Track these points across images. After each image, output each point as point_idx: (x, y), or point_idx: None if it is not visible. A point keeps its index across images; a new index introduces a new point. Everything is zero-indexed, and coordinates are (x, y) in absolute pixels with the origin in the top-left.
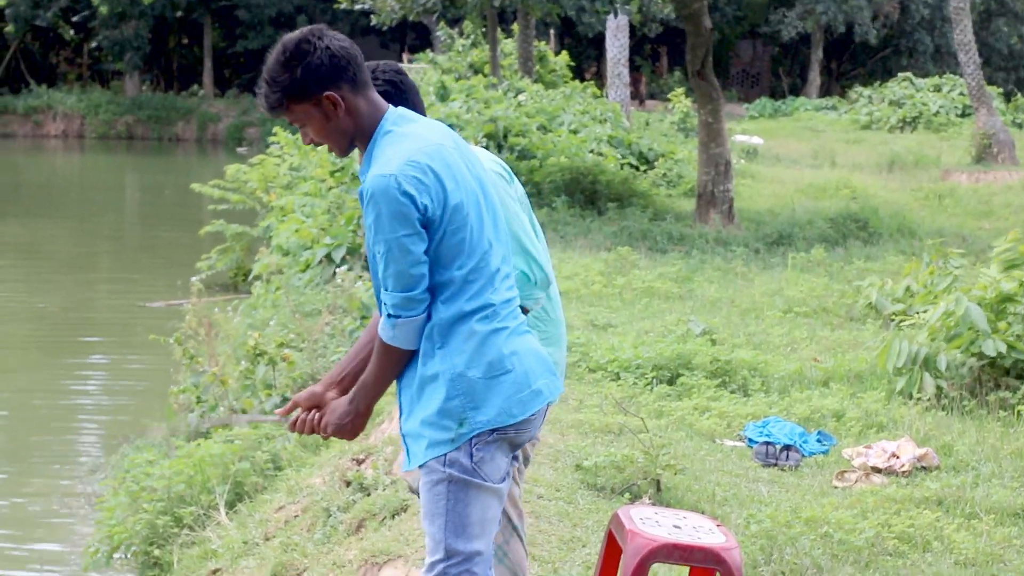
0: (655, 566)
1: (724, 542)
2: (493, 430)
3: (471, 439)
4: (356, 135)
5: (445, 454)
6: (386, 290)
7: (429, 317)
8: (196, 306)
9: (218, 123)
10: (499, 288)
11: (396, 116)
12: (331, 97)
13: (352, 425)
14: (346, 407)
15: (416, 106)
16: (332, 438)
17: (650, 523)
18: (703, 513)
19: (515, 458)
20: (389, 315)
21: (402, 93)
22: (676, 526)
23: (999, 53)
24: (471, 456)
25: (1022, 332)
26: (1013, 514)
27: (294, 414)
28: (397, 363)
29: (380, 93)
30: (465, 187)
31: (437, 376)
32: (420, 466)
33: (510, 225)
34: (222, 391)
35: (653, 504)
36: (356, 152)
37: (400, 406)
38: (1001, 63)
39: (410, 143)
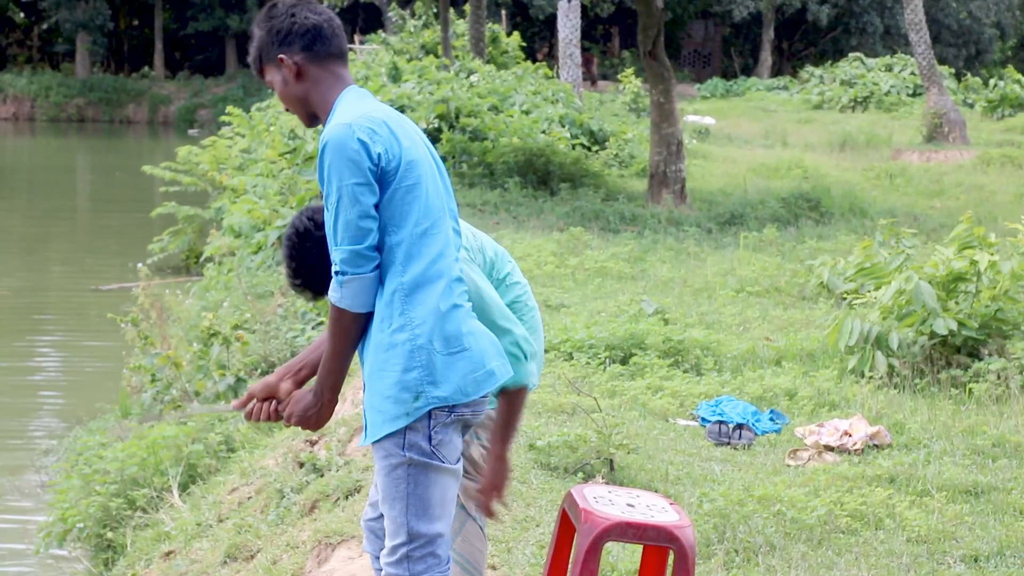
0: (609, 545)
1: (677, 520)
2: (451, 410)
3: (430, 421)
4: (314, 105)
5: (404, 435)
6: (335, 246)
7: (389, 279)
8: (147, 289)
9: (169, 105)
10: (453, 263)
11: (357, 91)
12: (284, 60)
13: (317, 416)
14: (311, 398)
15: None
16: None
17: (604, 502)
18: (656, 492)
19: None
20: (338, 272)
21: None
22: (630, 504)
23: (949, 29)
24: (430, 439)
25: (972, 311)
26: (964, 491)
27: (250, 405)
28: (348, 330)
29: None
30: (419, 149)
31: (397, 344)
32: (375, 442)
33: (487, 302)
34: (175, 373)
35: (607, 483)
36: (311, 134)
37: (364, 380)
38: (951, 39)
39: (367, 104)
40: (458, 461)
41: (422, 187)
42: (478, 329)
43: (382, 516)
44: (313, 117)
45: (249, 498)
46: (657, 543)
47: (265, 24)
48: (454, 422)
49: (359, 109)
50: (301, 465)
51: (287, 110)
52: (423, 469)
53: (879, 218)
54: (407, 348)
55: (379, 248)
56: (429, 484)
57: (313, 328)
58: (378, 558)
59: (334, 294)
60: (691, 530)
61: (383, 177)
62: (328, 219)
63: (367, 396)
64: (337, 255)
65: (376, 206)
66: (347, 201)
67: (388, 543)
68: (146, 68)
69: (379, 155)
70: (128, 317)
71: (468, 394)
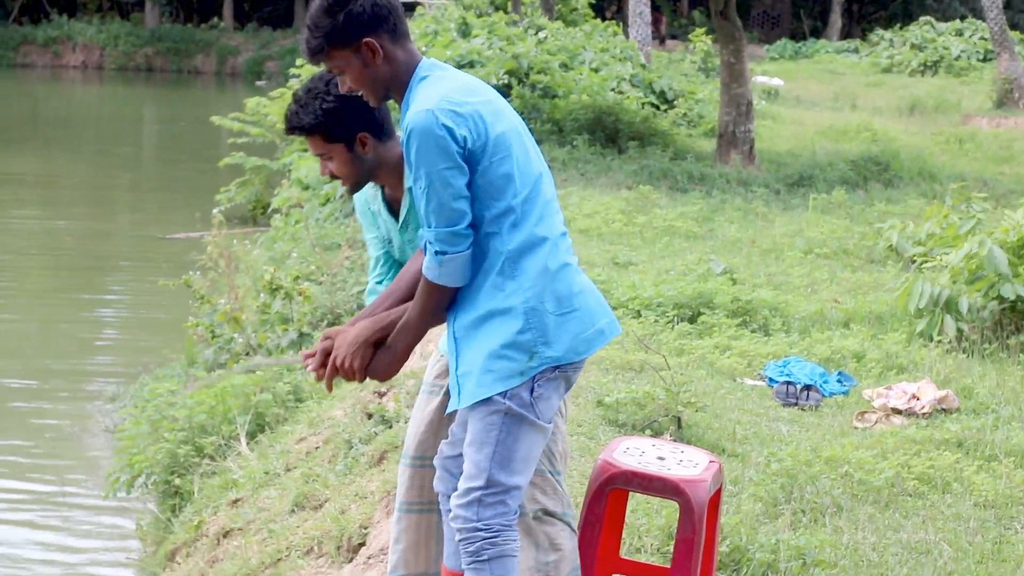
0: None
1: (693, 475)
2: (556, 367)
3: (535, 375)
4: (391, 84)
5: (508, 388)
6: (429, 227)
7: (495, 249)
8: (216, 238)
9: (237, 56)
10: (556, 220)
11: (431, 64)
12: (370, 44)
13: (387, 367)
14: (387, 352)
15: (376, 118)
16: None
17: (633, 453)
18: (724, 451)
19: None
20: (436, 252)
21: (359, 106)
22: (660, 458)
23: None
24: (531, 391)
25: None
26: None
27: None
28: (441, 302)
29: (330, 111)
30: (505, 120)
31: (509, 309)
32: (480, 401)
33: None
34: (237, 330)
35: (674, 440)
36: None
37: (454, 347)
38: (1023, 6)
39: (447, 83)
40: (551, 421)
41: (512, 158)
42: (587, 287)
43: (460, 456)
44: (385, 95)
45: (317, 448)
46: (662, 495)
47: (340, 9)
48: (558, 378)
49: (442, 89)
50: (369, 416)
51: (349, 91)
52: (518, 421)
53: (948, 183)
54: (521, 311)
55: (477, 222)
56: (520, 437)
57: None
58: (449, 497)
59: (431, 271)
60: (704, 486)
61: (471, 157)
62: (420, 202)
63: (467, 359)
64: (434, 236)
65: (469, 184)
66: (439, 185)
67: (464, 484)
68: (215, 19)
69: (464, 137)
70: (183, 279)
71: (580, 353)
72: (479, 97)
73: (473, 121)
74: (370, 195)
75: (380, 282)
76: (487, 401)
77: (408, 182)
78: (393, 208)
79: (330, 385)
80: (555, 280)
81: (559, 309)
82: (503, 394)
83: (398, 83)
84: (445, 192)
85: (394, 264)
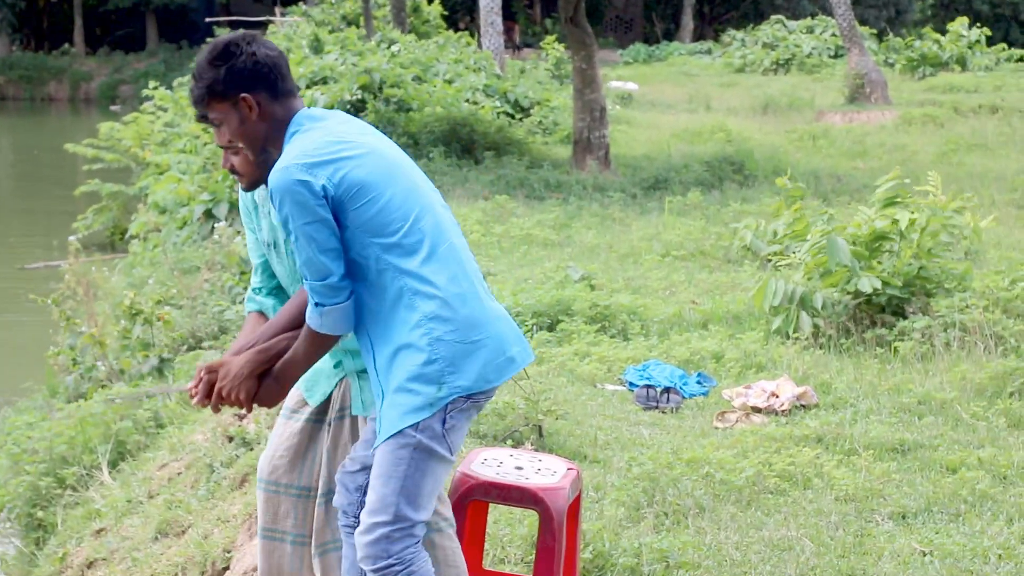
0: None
1: (551, 484)
2: (468, 396)
3: (446, 406)
4: (267, 140)
5: (419, 420)
6: (305, 280)
7: (394, 283)
8: (74, 266)
9: (91, 82)
10: (455, 249)
11: (305, 116)
12: (247, 99)
13: (274, 398)
14: (271, 383)
15: None
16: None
17: (491, 464)
18: (586, 458)
19: None
20: (316, 304)
21: None
22: (518, 468)
23: None
24: (443, 422)
25: (896, 269)
26: (891, 449)
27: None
28: (326, 347)
29: None
30: (372, 163)
31: (414, 342)
32: (391, 436)
33: None
34: (100, 352)
35: (535, 449)
36: None
37: (377, 383)
38: (871, 1)
39: (311, 136)
40: (457, 452)
41: (384, 197)
42: (497, 314)
43: (362, 470)
44: (263, 150)
45: (179, 473)
46: (522, 505)
47: (222, 63)
48: (470, 408)
49: (302, 145)
50: (230, 439)
51: (228, 145)
52: (427, 455)
53: (802, 180)
54: (425, 342)
55: (371, 261)
56: (427, 471)
57: (239, 303)
58: (347, 513)
59: (314, 321)
60: (562, 494)
61: (337, 205)
62: (298, 257)
63: (389, 396)
64: (311, 289)
65: (344, 229)
66: (303, 241)
67: (368, 518)
68: (66, 45)
69: (323, 187)
70: (51, 297)
71: (490, 381)
72: (342, 145)
73: (333, 170)
74: (260, 196)
75: (258, 290)
76: (397, 434)
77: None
78: None
79: (217, 408)
80: (459, 307)
81: (466, 338)
82: (415, 426)
83: (275, 140)
84: (310, 246)
85: (272, 273)
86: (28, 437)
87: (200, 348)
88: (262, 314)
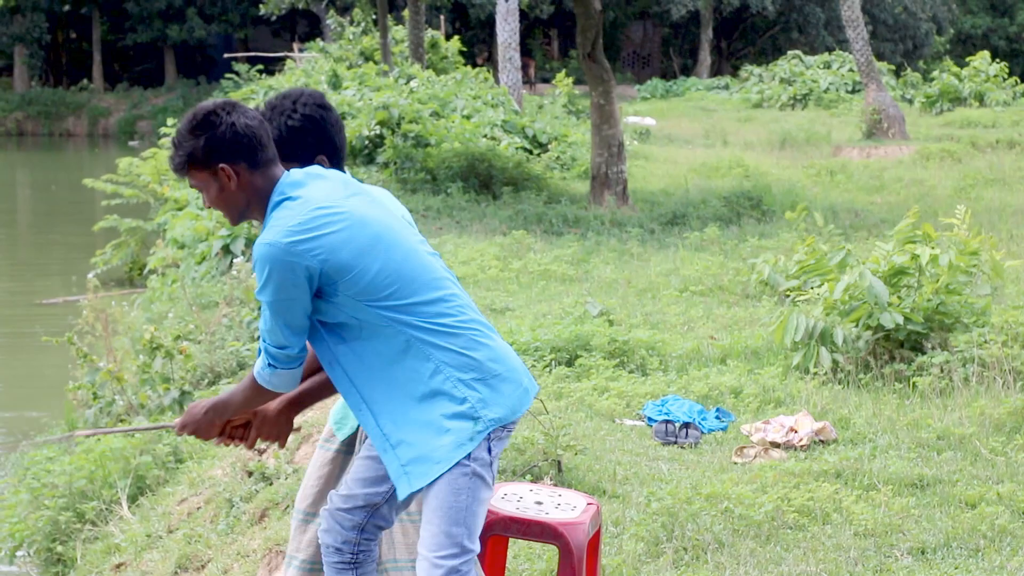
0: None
1: (571, 519)
2: (503, 427)
3: (489, 437)
4: (247, 209)
5: (469, 453)
6: (265, 341)
7: (397, 341)
8: (92, 301)
9: (109, 117)
10: (454, 299)
11: (288, 183)
12: (225, 170)
13: (206, 431)
14: (203, 413)
15: (335, 142)
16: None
17: (511, 498)
18: (604, 493)
19: None
20: (269, 364)
21: (320, 129)
22: (538, 503)
23: (885, 24)
24: (490, 451)
25: (915, 305)
26: (910, 484)
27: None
28: (265, 400)
29: (295, 128)
30: (361, 234)
31: (437, 391)
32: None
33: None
34: (118, 387)
35: (554, 484)
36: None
37: (387, 446)
38: (888, 35)
39: (298, 208)
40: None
41: (379, 261)
42: (504, 349)
43: (361, 509)
44: (240, 217)
45: (198, 508)
46: (542, 540)
47: (202, 132)
48: (504, 438)
49: (290, 216)
50: (250, 474)
51: (209, 206)
52: (480, 483)
53: (820, 215)
54: (450, 386)
55: (356, 323)
56: (481, 501)
57: (256, 339)
58: (340, 551)
59: (262, 377)
60: (582, 529)
61: (327, 279)
62: (264, 316)
63: (409, 447)
64: (269, 351)
65: (334, 295)
66: (272, 313)
67: (433, 555)
68: (85, 81)
69: (307, 267)
70: (66, 336)
71: (515, 411)
72: (327, 217)
73: (318, 248)
74: None
75: None
76: (455, 467)
77: None
78: None
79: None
80: (475, 350)
81: (486, 375)
82: (468, 457)
83: (255, 209)
84: (276, 320)
85: None
86: (48, 471)
87: (219, 383)
88: None
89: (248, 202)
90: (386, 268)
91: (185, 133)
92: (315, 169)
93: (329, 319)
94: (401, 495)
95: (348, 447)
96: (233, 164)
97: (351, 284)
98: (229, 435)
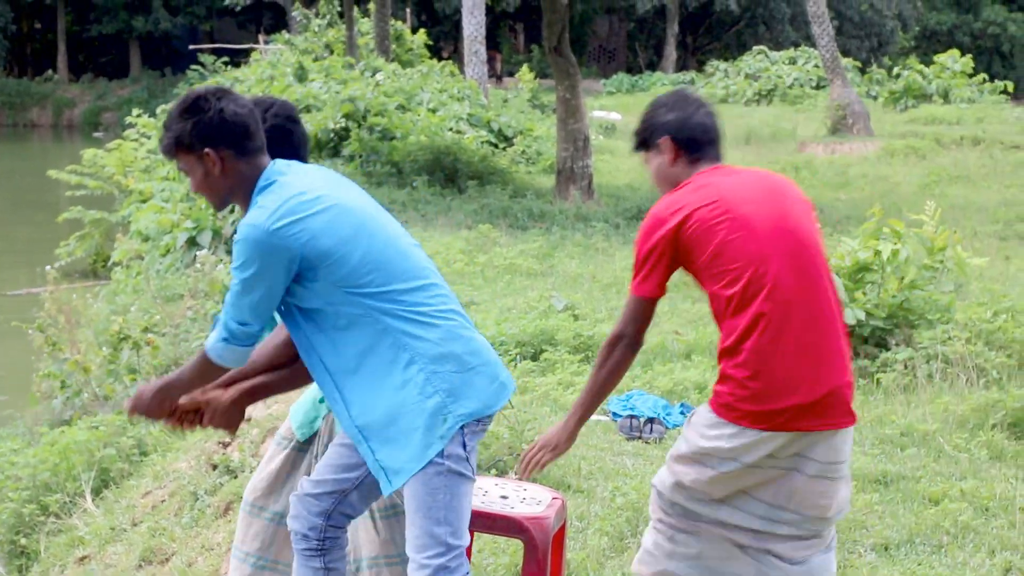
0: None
1: (536, 513)
2: (478, 420)
3: (463, 432)
4: (231, 195)
5: (442, 451)
6: (227, 314)
7: (376, 328)
8: (54, 293)
9: (74, 108)
10: (432, 285)
11: (272, 171)
12: (211, 155)
13: (156, 411)
14: (152, 394)
15: (300, 155)
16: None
17: (477, 493)
18: (569, 487)
19: None
20: (225, 338)
21: (288, 140)
22: (504, 496)
23: (851, 21)
24: (464, 446)
25: (879, 301)
26: (874, 480)
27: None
28: (214, 377)
29: (265, 131)
30: (340, 219)
31: (410, 380)
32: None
33: None
34: (85, 378)
35: (518, 478)
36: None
37: (359, 436)
38: (853, 31)
39: (282, 192)
40: (475, 475)
41: (361, 248)
42: (482, 343)
43: (328, 495)
44: (223, 203)
45: (163, 501)
46: (508, 534)
47: (191, 116)
48: (480, 431)
49: (274, 200)
50: (214, 467)
51: (196, 193)
52: (457, 479)
53: None
54: (422, 378)
55: (333, 309)
56: (462, 496)
57: None
58: (307, 537)
59: (215, 351)
60: (547, 523)
61: (308, 264)
62: (233, 290)
63: (383, 439)
64: (229, 325)
65: (313, 280)
66: (243, 289)
67: (418, 555)
68: (49, 71)
69: (289, 248)
70: (35, 324)
71: (490, 406)
72: (309, 202)
73: (301, 231)
74: None
75: None
76: (428, 466)
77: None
78: None
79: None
80: (449, 341)
81: (463, 367)
82: (440, 454)
83: (239, 195)
84: (244, 297)
85: None
86: (11, 464)
87: None
88: None
89: (232, 189)
90: (368, 255)
91: (175, 116)
92: (300, 164)
93: (306, 304)
94: (385, 493)
95: (303, 445)
96: (219, 150)
97: (332, 270)
98: (179, 419)
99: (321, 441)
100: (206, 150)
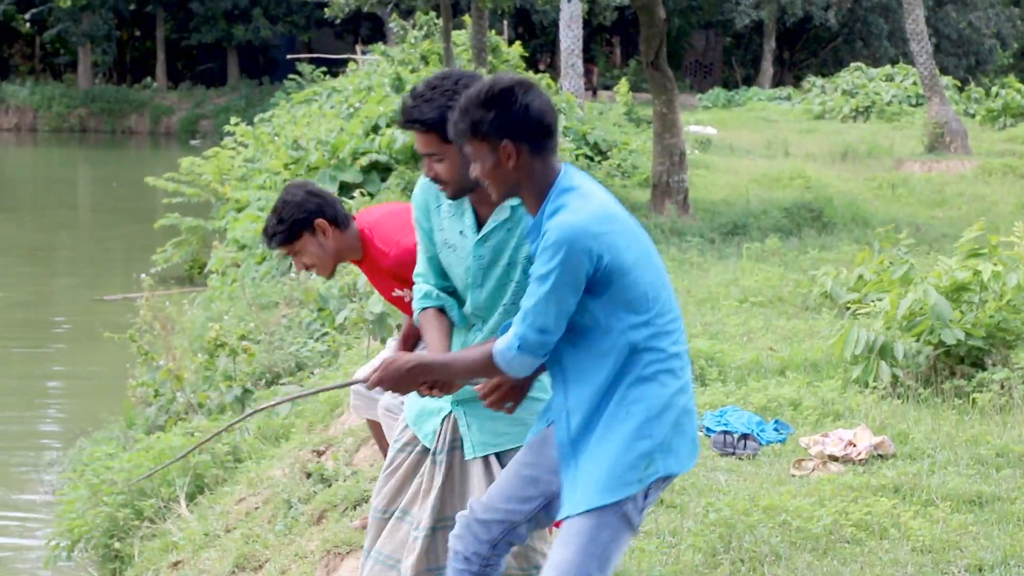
0: None
1: None
2: (666, 478)
3: (651, 482)
4: (518, 189)
5: (632, 495)
6: (526, 320)
7: (627, 359)
8: (150, 300)
9: (171, 116)
10: (681, 336)
11: (571, 175)
12: (508, 148)
13: (406, 387)
14: (409, 369)
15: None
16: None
17: None
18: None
19: None
20: (519, 346)
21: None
22: None
23: (949, 39)
24: (646, 496)
25: (977, 321)
26: (968, 501)
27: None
28: (489, 376)
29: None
30: (636, 244)
31: (632, 415)
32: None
33: None
34: (178, 385)
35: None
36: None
37: (570, 451)
38: (952, 49)
39: (591, 199)
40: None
41: (647, 276)
42: (692, 406)
43: (499, 523)
44: (507, 196)
45: (256, 508)
46: None
47: (495, 105)
48: (661, 489)
49: (591, 205)
50: (308, 475)
51: (475, 176)
52: (627, 526)
53: (880, 227)
54: (643, 419)
55: (593, 325)
56: (622, 541)
57: (316, 340)
58: (469, 560)
59: (504, 357)
60: None
61: (603, 279)
62: (530, 299)
63: (587, 463)
64: (524, 333)
65: (596, 296)
66: (551, 294)
67: None
68: (148, 79)
69: (600, 256)
70: (127, 333)
71: (684, 466)
72: (616, 222)
73: (609, 246)
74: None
75: (430, 292)
76: (612, 504)
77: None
78: (477, 220)
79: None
80: (676, 395)
81: (676, 421)
82: (624, 498)
83: (528, 190)
84: (550, 301)
85: (443, 274)
86: (107, 468)
87: (278, 383)
88: (441, 311)
89: (519, 183)
90: (652, 285)
91: (476, 102)
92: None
93: (575, 317)
94: (560, 516)
95: (425, 448)
96: (517, 143)
97: (622, 291)
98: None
99: (444, 442)
100: (504, 142)
